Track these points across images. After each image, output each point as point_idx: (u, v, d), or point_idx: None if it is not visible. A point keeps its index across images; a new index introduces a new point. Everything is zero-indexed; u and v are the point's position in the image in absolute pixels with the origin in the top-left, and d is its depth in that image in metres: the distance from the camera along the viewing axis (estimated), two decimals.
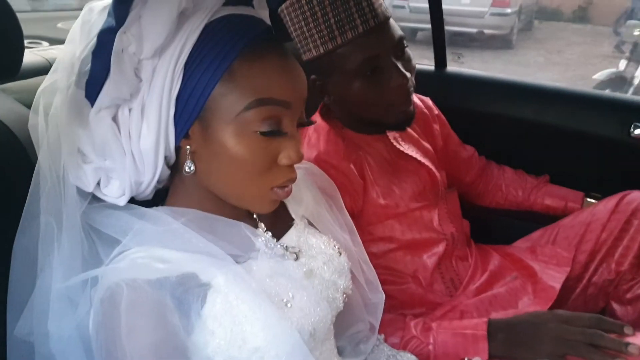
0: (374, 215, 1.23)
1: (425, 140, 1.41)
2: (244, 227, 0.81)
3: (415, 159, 1.31)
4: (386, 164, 1.26)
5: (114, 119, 0.74)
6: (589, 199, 1.50)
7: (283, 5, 1.15)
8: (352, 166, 1.20)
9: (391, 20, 1.16)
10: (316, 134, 1.23)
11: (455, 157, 1.54)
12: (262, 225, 0.86)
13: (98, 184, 0.76)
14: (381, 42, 1.12)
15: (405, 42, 1.17)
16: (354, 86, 1.15)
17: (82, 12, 0.76)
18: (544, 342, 1.00)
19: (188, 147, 0.75)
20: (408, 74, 1.15)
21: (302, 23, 1.14)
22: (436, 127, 1.47)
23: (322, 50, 1.14)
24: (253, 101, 0.71)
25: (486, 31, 7.93)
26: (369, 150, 1.26)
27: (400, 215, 1.25)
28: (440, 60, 1.94)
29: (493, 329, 1.05)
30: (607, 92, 1.74)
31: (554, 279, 1.25)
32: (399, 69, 1.14)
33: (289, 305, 0.76)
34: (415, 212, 1.28)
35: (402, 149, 1.29)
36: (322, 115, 1.28)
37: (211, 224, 0.78)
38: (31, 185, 0.75)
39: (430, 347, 1.07)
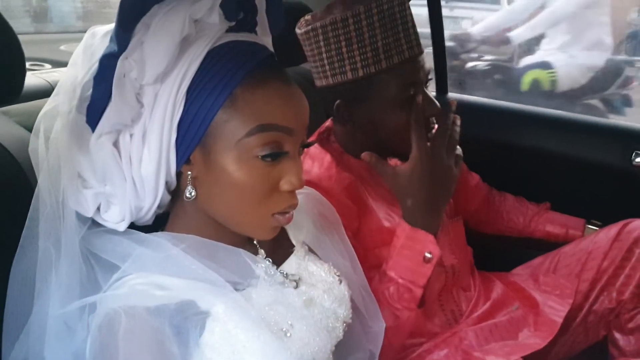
0: (370, 240, 1.21)
1: None
2: (244, 254, 0.80)
3: None
4: (385, 192, 1.25)
5: (115, 144, 0.74)
6: (590, 226, 1.50)
7: (319, 24, 1.12)
8: (344, 191, 1.18)
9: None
10: (310, 161, 1.23)
11: (462, 186, 1.52)
12: (262, 251, 0.85)
13: (98, 209, 0.76)
14: (419, 70, 1.14)
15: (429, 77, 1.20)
16: (391, 114, 1.14)
17: (85, 37, 0.76)
18: None
19: (189, 172, 0.75)
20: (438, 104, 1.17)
21: (343, 43, 1.11)
22: None
23: (361, 74, 1.12)
24: (255, 127, 0.71)
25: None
26: (370, 177, 1.24)
27: None
28: (442, 86, 1.95)
29: None
30: (609, 120, 1.74)
31: (556, 312, 1.24)
32: (433, 99, 1.16)
33: (288, 334, 0.75)
34: None
35: None
36: (321, 140, 1.27)
37: (211, 250, 0.77)
38: (30, 210, 0.75)
39: None
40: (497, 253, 1.56)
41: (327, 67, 1.15)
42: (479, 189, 1.58)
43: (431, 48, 1.92)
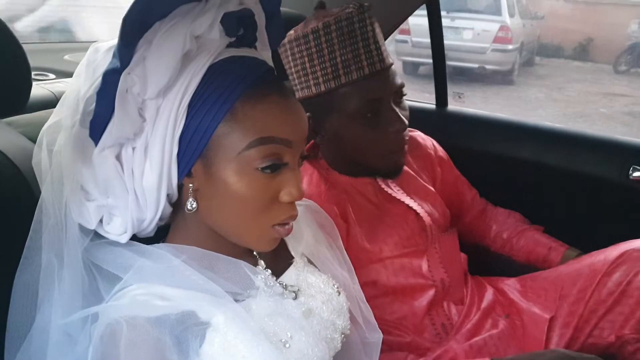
0: (356, 260, 1.17)
1: (426, 178, 1.41)
2: (244, 265, 0.81)
3: (404, 203, 1.29)
4: (372, 207, 1.25)
5: (118, 157, 0.75)
6: (570, 252, 1.43)
7: (286, 40, 1.16)
8: (334, 208, 1.19)
9: (393, 67, 1.18)
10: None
11: (459, 199, 1.53)
12: (262, 262, 0.86)
13: (100, 221, 0.77)
14: (384, 87, 1.14)
15: (404, 91, 1.19)
16: (353, 128, 1.15)
17: (88, 52, 0.78)
18: None
19: (190, 185, 0.76)
20: (406, 121, 1.16)
21: (306, 59, 1.14)
22: (438, 169, 1.46)
23: (323, 88, 1.14)
24: (255, 140, 0.73)
25: (487, 67, 8.01)
26: (354, 193, 1.25)
27: (385, 259, 1.23)
28: (441, 99, 1.96)
29: None
30: (606, 134, 1.75)
31: (539, 322, 1.23)
32: (399, 115, 1.15)
33: (287, 345, 0.76)
34: (403, 258, 1.25)
35: (390, 191, 1.28)
36: (308, 157, 1.27)
37: (211, 261, 0.78)
38: (33, 221, 0.76)
39: None
40: (494, 259, 1.57)
41: (296, 82, 1.19)
42: (475, 202, 1.58)
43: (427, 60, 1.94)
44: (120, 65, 0.69)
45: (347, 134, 1.16)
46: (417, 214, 1.30)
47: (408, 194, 1.31)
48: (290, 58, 1.18)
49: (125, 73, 0.70)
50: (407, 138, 1.20)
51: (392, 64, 1.16)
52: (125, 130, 0.72)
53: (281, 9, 0.85)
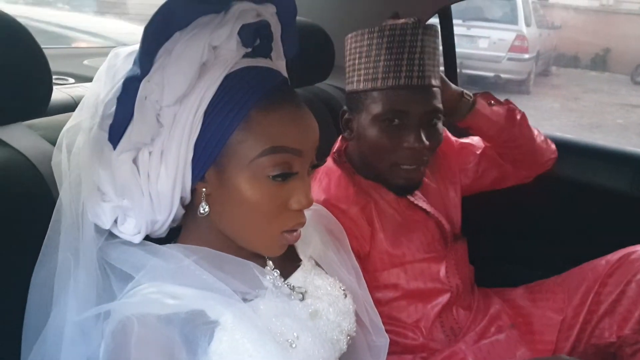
0: (380, 262, 1.23)
1: (448, 185, 1.42)
2: (252, 266, 0.83)
3: (424, 210, 1.30)
4: (394, 213, 1.27)
5: (134, 161, 0.77)
6: None
7: (350, 34, 1.21)
8: (360, 212, 1.21)
9: (435, 90, 1.17)
10: (327, 178, 1.25)
11: (487, 165, 1.47)
12: (270, 263, 0.88)
13: (115, 221, 0.79)
14: (413, 102, 1.14)
15: (440, 115, 1.18)
16: (372, 130, 1.17)
17: (109, 57, 0.80)
18: None
19: (203, 189, 0.78)
20: (426, 143, 1.15)
21: (357, 56, 1.19)
22: (455, 166, 1.45)
23: (361, 87, 1.18)
24: (267, 149, 0.75)
25: (503, 75, 7.97)
26: (378, 198, 1.26)
27: (406, 264, 1.25)
28: None
29: None
30: (617, 145, 1.74)
31: (550, 326, 1.25)
32: (418, 133, 1.14)
33: (293, 345, 0.77)
34: (423, 263, 1.27)
35: (411, 198, 1.29)
36: (334, 159, 1.30)
37: (221, 262, 0.80)
38: (51, 221, 0.78)
39: None
40: (499, 271, 1.57)
41: (347, 75, 1.23)
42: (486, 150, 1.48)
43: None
44: (141, 73, 0.72)
45: (366, 134, 1.19)
46: (438, 221, 1.32)
47: (428, 201, 1.33)
48: (347, 52, 1.22)
49: (145, 81, 0.72)
50: (425, 159, 1.20)
51: (434, 85, 1.16)
52: (143, 135, 0.74)
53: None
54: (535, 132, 1.43)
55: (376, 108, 1.16)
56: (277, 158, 0.75)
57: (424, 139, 1.15)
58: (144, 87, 0.72)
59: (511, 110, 1.38)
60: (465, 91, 1.37)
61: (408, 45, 1.14)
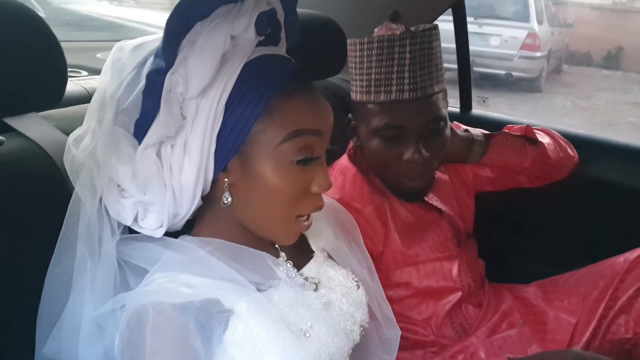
0: (393, 261, 1.23)
1: (460, 184, 1.41)
2: (266, 257, 0.84)
3: (437, 208, 1.29)
4: (408, 213, 1.26)
5: (157, 154, 0.77)
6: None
7: (348, 41, 1.19)
8: (374, 211, 1.21)
9: (433, 98, 1.14)
10: (342, 176, 1.25)
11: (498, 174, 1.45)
12: (284, 254, 0.89)
13: (134, 217, 0.79)
14: (409, 116, 1.12)
15: (442, 122, 1.16)
16: (372, 142, 1.17)
17: (112, 51, 0.80)
18: None
19: (226, 179, 0.79)
20: (426, 155, 1.13)
21: (353, 66, 1.18)
22: (470, 169, 1.43)
23: (358, 98, 1.18)
24: (289, 133, 0.76)
25: (514, 74, 7.93)
26: (392, 197, 1.26)
27: (419, 263, 1.25)
28: (466, 103, 1.96)
29: None
30: (632, 142, 1.72)
31: (565, 325, 1.24)
32: (417, 146, 1.13)
33: (307, 335, 0.78)
34: (436, 262, 1.27)
35: (425, 198, 1.28)
36: (350, 157, 1.29)
37: (235, 253, 0.81)
38: (67, 215, 0.79)
39: None
40: (512, 267, 1.56)
41: (350, 83, 1.21)
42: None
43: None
44: (165, 65, 0.72)
45: (368, 145, 1.18)
46: (451, 220, 1.32)
47: (441, 198, 1.32)
48: (348, 59, 1.21)
49: (169, 73, 0.73)
50: (428, 169, 1.19)
51: (431, 94, 1.13)
52: (169, 129, 0.75)
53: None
54: (557, 148, 1.41)
55: (373, 121, 1.15)
56: (300, 142, 0.76)
57: (423, 151, 1.13)
58: (169, 80, 0.73)
59: (531, 138, 1.34)
60: (475, 134, 1.33)
61: (397, 58, 1.11)
